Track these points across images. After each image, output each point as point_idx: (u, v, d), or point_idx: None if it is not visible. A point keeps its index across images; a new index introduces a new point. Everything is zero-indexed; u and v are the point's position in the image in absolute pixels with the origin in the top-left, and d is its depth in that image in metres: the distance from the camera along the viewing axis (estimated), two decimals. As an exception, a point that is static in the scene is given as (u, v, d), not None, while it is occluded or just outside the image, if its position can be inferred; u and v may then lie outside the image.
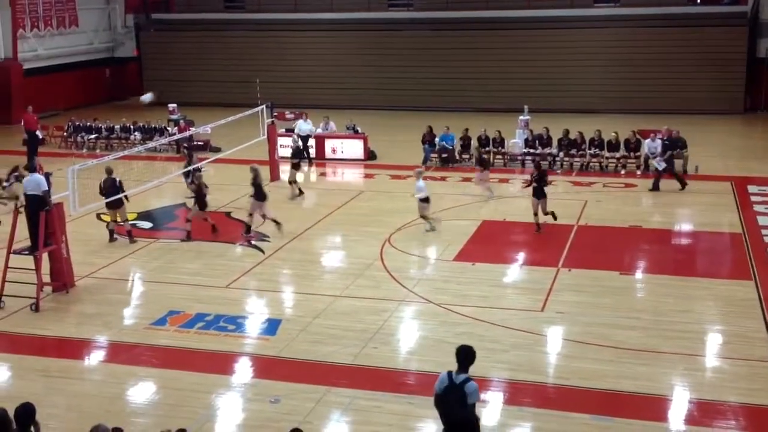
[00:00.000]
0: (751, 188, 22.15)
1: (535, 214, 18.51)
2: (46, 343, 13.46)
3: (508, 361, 12.29)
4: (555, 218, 18.66)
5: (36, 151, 26.50)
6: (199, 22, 39.76)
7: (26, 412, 7.78)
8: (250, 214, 18.84)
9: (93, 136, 29.56)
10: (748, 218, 19.43)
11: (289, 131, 27.80)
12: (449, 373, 8.36)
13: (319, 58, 37.49)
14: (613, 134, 24.47)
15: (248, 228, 18.73)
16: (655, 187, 22.17)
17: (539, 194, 18.41)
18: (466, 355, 8.38)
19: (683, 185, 22.12)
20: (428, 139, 25.90)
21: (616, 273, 16.04)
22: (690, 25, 33.88)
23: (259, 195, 18.69)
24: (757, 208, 20.35)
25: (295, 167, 22.34)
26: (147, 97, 22.44)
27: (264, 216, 18.87)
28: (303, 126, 27.00)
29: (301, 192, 22.30)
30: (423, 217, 18.65)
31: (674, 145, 24.06)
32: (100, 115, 31.66)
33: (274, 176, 24.09)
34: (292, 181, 22.25)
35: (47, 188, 15.20)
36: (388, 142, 28.44)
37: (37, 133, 27.41)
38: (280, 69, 37.43)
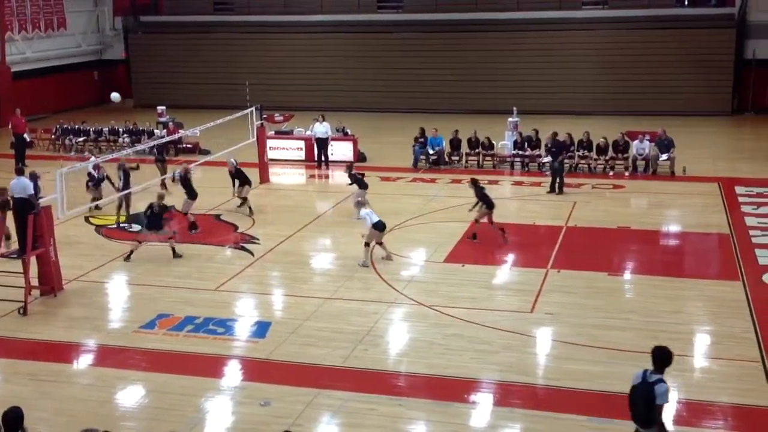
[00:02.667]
0: (739, 189, 22.24)
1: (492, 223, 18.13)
2: (34, 346, 13.37)
3: (498, 362, 12.30)
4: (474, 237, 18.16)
5: (24, 155, 26.37)
6: (187, 25, 39.65)
7: (14, 417, 7.72)
8: (185, 213, 19.37)
9: (81, 139, 29.46)
10: (735, 219, 19.51)
11: (281, 133, 27.73)
12: (645, 371, 8.55)
13: (308, 60, 37.45)
14: (602, 140, 24.54)
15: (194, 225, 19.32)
16: (552, 189, 22.23)
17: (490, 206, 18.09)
18: (659, 357, 8.52)
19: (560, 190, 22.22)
20: (420, 141, 25.87)
21: (605, 274, 16.09)
22: (678, 27, 34.06)
23: (191, 193, 19.34)
24: (744, 209, 20.43)
25: (243, 182, 20.89)
26: (115, 96, 22.13)
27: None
28: (318, 128, 26.07)
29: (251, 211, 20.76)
30: (380, 244, 16.93)
31: (661, 144, 24.24)
32: (89, 118, 31.55)
33: (264, 179, 24.05)
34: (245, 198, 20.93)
35: (33, 192, 15.10)
36: (377, 144, 28.45)
37: (25, 136, 27.25)
38: (269, 71, 37.34)
